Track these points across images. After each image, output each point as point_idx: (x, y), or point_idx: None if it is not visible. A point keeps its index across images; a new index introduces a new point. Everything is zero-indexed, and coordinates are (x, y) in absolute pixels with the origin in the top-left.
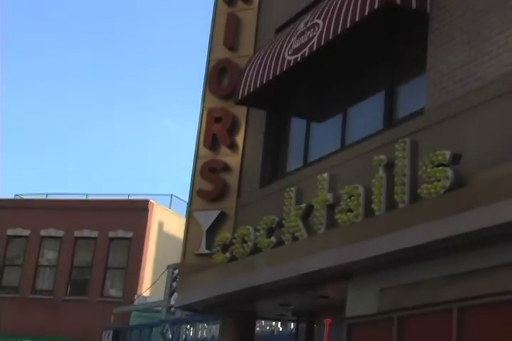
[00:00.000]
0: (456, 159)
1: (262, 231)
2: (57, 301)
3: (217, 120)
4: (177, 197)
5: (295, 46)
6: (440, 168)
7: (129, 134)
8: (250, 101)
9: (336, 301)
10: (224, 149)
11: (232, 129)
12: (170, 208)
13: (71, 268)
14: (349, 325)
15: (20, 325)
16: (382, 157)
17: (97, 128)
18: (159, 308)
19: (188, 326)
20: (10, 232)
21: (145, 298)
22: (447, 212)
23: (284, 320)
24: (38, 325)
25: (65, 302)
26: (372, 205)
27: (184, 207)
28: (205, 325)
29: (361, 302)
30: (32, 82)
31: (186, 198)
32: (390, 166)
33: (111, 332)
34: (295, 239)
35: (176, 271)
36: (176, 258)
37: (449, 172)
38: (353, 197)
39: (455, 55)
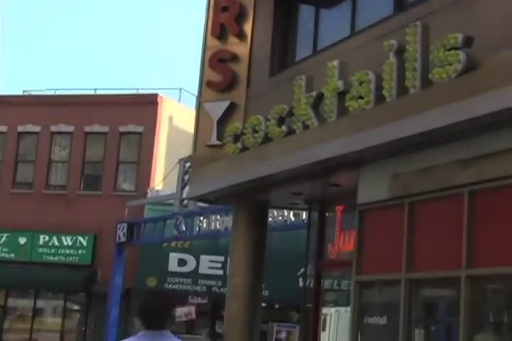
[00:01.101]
0: (468, 42)
1: (272, 121)
2: (71, 196)
3: (225, 9)
4: (186, 91)
5: None
6: (452, 51)
7: (136, 26)
8: None
9: (348, 189)
10: (232, 39)
11: (240, 18)
12: (179, 102)
13: (83, 164)
14: (361, 212)
15: (36, 221)
16: (393, 42)
17: (103, 21)
18: (172, 201)
19: (201, 218)
20: (20, 129)
21: (158, 191)
22: (459, 96)
23: (296, 208)
24: (53, 220)
25: (79, 197)
26: (383, 91)
27: (193, 101)
28: (218, 216)
29: (373, 188)
30: None
31: (195, 92)
32: (400, 51)
33: (125, 226)
34: (306, 127)
35: (188, 164)
36: (187, 152)
37: (461, 55)
38: (363, 84)
39: None
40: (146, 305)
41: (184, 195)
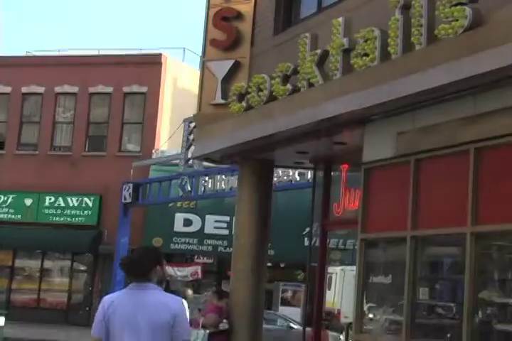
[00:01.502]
0: None
1: (277, 79)
2: (76, 157)
3: None
4: (189, 50)
5: None
6: (458, 7)
7: None
8: None
9: (353, 147)
10: None
11: None
12: (183, 62)
13: (88, 124)
14: (366, 170)
15: (41, 182)
16: None
17: None
18: (177, 161)
19: (207, 178)
20: (25, 90)
21: (163, 151)
22: (465, 52)
23: (302, 167)
24: (59, 181)
25: (84, 158)
26: (389, 48)
27: (197, 61)
28: (223, 176)
29: (378, 146)
30: None
31: (199, 52)
32: (406, 8)
33: (131, 186)
34: (311, 85)
35: (193, 124)
36: (191, 112)
37: (467, 10)
38: (368, 41)
39: None
40: (125, 259)
41: (189, 155)
